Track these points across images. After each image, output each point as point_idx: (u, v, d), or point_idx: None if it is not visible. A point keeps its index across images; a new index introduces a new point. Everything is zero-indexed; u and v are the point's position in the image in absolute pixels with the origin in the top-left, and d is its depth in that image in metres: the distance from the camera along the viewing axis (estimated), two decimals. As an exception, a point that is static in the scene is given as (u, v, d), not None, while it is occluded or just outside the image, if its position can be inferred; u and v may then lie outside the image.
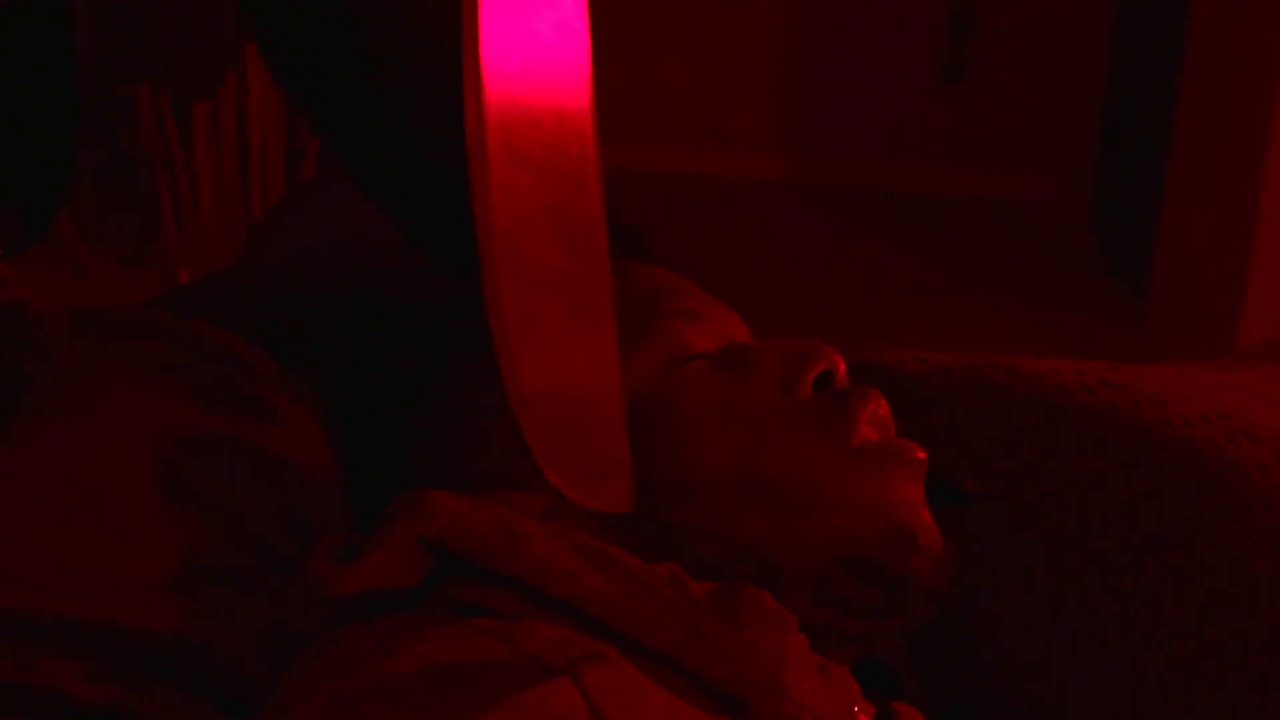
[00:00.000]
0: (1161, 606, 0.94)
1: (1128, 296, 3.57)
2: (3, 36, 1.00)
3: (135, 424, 0.88)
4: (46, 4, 1.01)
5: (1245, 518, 0.93)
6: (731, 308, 0.95)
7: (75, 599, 0.81)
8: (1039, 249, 3.97)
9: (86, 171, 2.23)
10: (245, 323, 1.00)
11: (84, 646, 0.79)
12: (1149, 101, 3.55)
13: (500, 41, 0.65)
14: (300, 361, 0.99)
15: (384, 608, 0.77)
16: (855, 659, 0.86)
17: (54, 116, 1.06)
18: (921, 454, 0.86)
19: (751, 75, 4.32)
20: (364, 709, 0.68)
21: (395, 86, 1.03)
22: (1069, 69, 4.14)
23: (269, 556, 0.87)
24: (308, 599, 0.78)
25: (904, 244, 3.98)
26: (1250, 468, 0.95)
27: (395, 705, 0.67)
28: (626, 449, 0.72)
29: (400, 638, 0.71)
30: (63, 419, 0.89)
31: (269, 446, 0.91)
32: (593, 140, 0.69)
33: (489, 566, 0.76)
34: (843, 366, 0.89)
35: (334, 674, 0.71)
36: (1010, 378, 1.03)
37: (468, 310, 0.93)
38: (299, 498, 0.91)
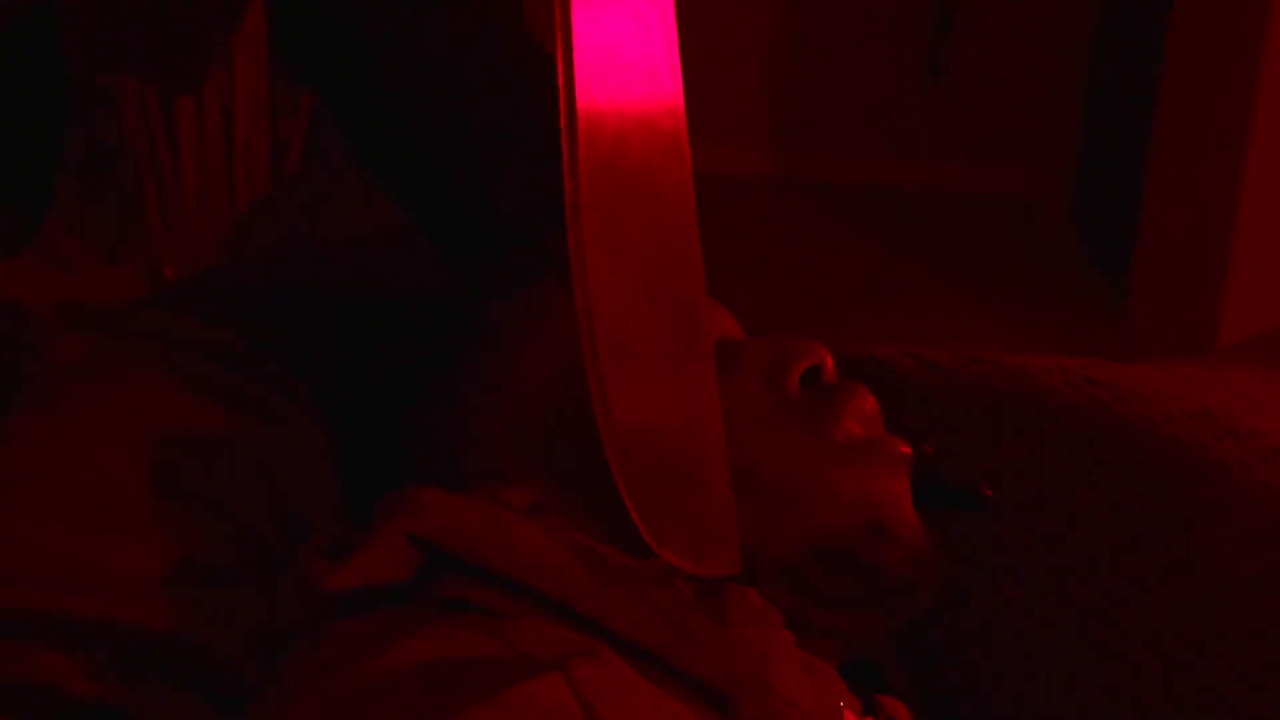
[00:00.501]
0: (1145, 603, 0.95)
1: (1109, 291, 3.58)
2: None
3: (131, 422, 0.89)
4: (35, 6, 1.01)
5: (1228, 515, 0.94)
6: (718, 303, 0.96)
7: (72, 596, 0.81)
8: (1021, 244, 3.99)
9: (67, 165, 2.22)
10: (239, 320, 1.00)
11: (80, 643, 0.80)
12: (1130, 97, 3.56)
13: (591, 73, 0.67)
14: (294, 359, 0.99)
15: (375, 605, 0.77)
16: (843, 657, 0.86)
17: (42, 119, 1.06)
18: (906, 449, 0.86)
19: (736, 72, 4.33)
20: (356, 706, 0.68)
21: (422, 83, 1.03)
22: (1051, 66, 4.15)
23: (264, 554, 0.87)
24: (299, 595, 0.78)
25: (888, 240, 3.99)
26: (1233, 465, 0.96)
27: (387, 702, 0.68)
28: (733, 512, 0.73)
29: (391, 634, 0.72)
30: (58, 417, 0.89)
31: (264, 444, 0.92)
32: (684, 137, 0.70)
33: (479, 564, 0.77)
34: (830, 362, 0.89)
35: (326, 671, 0.72)
36: (998, 374, 1.03)
37: (461, 306, 0.93)
38: (294, 495, 0.91)
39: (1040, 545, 0.97)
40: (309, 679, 0.72)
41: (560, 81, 0.69)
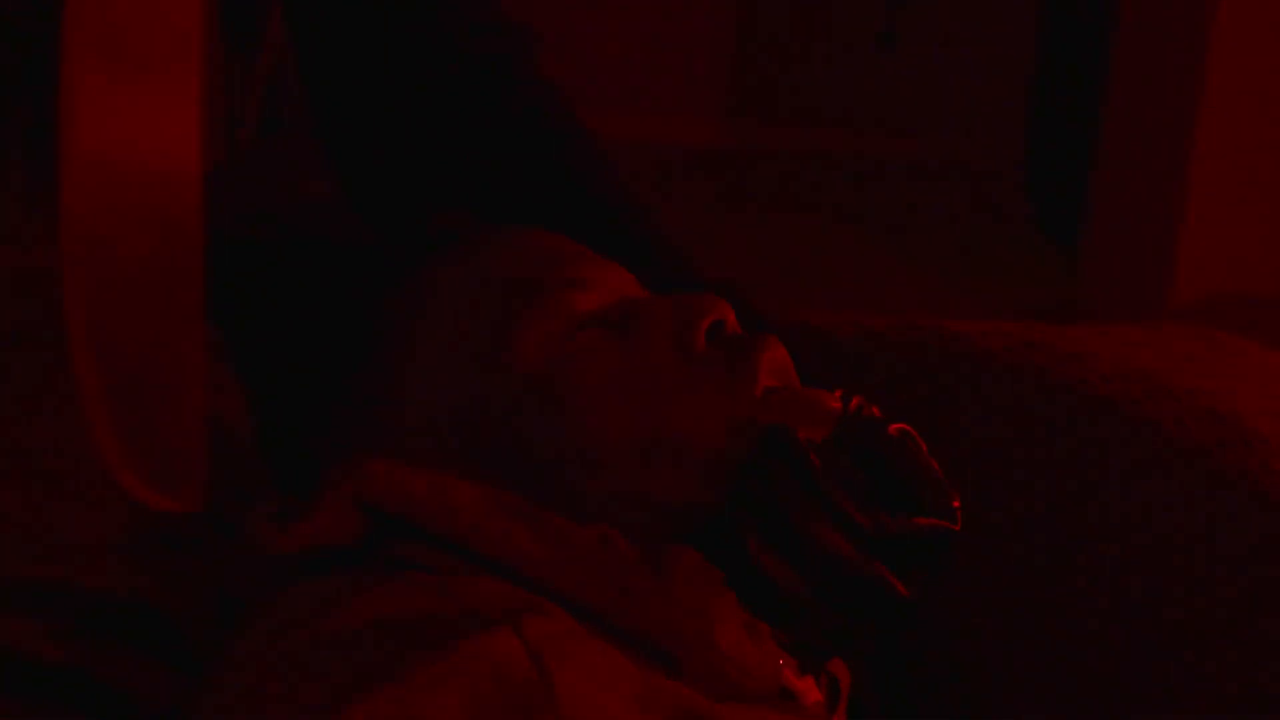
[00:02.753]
0: (1081, 561, 0.97)
1: (1059, 259, 3.61)
2: None
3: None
4: None
5: (1161, 473, 0.96)
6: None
7: (32, 562, 0.82)
8: (972, 213, 4.01)
9: (14, 135, 2.21)
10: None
11: (42, 607, 0.80)
12: (1079, 67, 3.58)
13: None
14: (236, 330, 1.00)
15: (323, 567, 0.78)
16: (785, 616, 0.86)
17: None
18: (835, 404, 0.83)
19: (688, 42, 4.33)
20: (310, 664, 0.69)
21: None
22: (1001, 36, 4.16)
23: (215, 519, 0.88)
24: (249, 559, 0.79)
25: (839, 209, 4.00)
26: (1168, 424, 0.98)
27: (340, 658, 0.69)
28: (203, 448, 0.71)
29: (342, 594, 0.73)
30: (11, 384, 0.89)
31: (212, 414, 0.92)
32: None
33: (424, 528, 0.78)
34: (732, 316, 0.87)
35: (279, 631, 0.73)
36: (938, 340, 1.05)
37: (387, 277, 0.94)
38: (238, 463, 0.92)
39: (976, 507, 0.99)
40: (263, 639, 0.73)
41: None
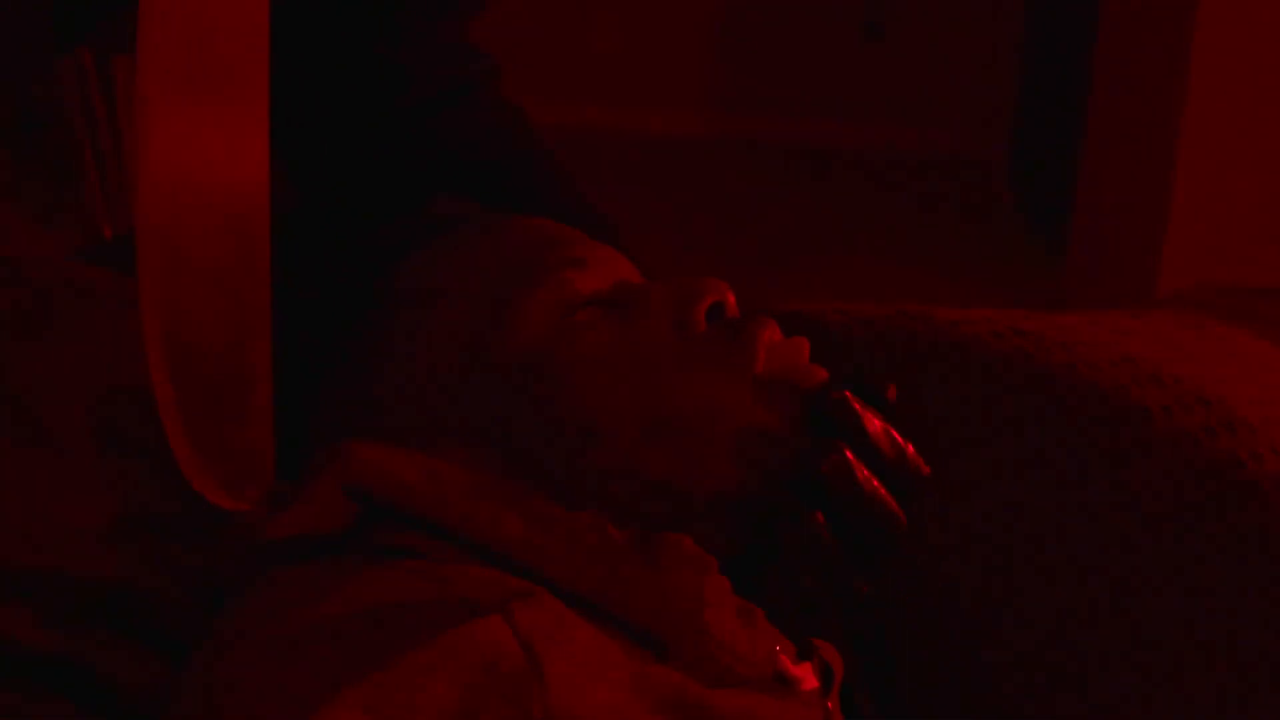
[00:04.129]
0: (1069, 547, 0.97)
1: (1046, 250, 3.62)
2: None
3: (71, 374, 0.89)
4: None
5: (1151, 459, 0.96)
6: (652, 261, 0.96)
7: (19, 548, 0.82)
8: (958, 204, 4.02)
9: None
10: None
11: (29, 593, 0.80)
12: (1065, 56, 3.59)
13: None
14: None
15: (313, 554, 0.78)
16: (778, 601, 0.87)
17: None
18: (823, 373, 0.85)
19: (673, 34, 4.33)
20: (299, 650, 0.69)
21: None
22: (986, 26, 4.17)
23: (202, 504, 0.88)
24: (238, 545, 0.79)
25: (825, 200, 4.01)
26: (1155, 411, 0.98)
27: (329, 645, 0.69)
28: (271, 447, 0.74)
29: (331, 580, 0.73)
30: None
31: None
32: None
33: (414, 514, 0.78)
34: (732, 298, 0.88)
35: (268, 617, 0.73)
36: (926, 327, 1.05)
37: (371, 268, 0.94)
38: None
39: (965, 492, 0.99)
40: (251, 626, 0.73)
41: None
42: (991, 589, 0.99)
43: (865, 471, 0.81)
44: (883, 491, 0.82)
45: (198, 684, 0.74)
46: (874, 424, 0.83)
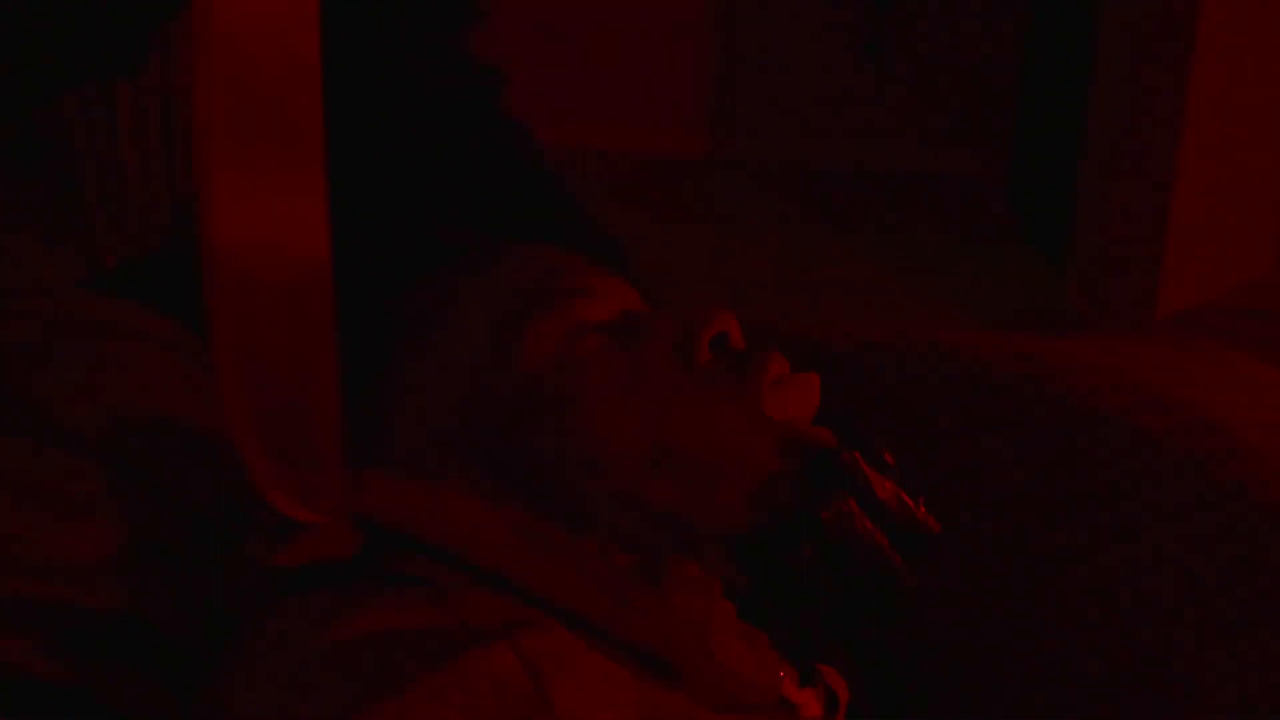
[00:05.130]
0: (1073, 573, 0.97)
1: (1046, 269, 3.62)
2: None
3: (76, 404, 0.89)
4: None
5: (1152, 484, 0.96)
6: (652, 284, 0.96)
7: (27, 578, 0.82)
8: (958, 223, 4.02)
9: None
10: (178, 305, 1.01)
11: (37, 624, 0.80)
12: (1065, 76, 3.59)
13: None
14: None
15: (321, 581, 0.78)
16: (784, 629, 0.87)
17: None
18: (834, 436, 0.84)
19: (673, 53, 4.34)
20: (308, 679, 0.69)
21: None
22: (987, 45, 4.18)
23: (210, 534, 0.88)
24: (246, 574, 0.79)
25: (825, 219, 4.01)
26: (1160, 435, 0.98)
27: (338, 673, 0.69)
28: (340, 457, 0.74)
29: (340, 608, 0.73)
30: (5, 400, 0.89)
31: (207, 428, 0.92)
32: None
33: (422, 540, 0.78)
34: (736, 327, 0.88)
35: (276, 646, 0.73)
36: (931, 351, 1.05)
37: (378, 295, 0.94)
38: (235, 478, 0.92)
39: (972, 517, 1.00)
40: (260, 654, 0.73)
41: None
42: (997, 614, 0.99)
43: (868, 523, 0.81)
44: (884, 544, 0.81)
45: (208, 713, 0.74)
46: (883, 486, 0.82)
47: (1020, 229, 3.88)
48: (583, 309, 0.86)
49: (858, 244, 3.86)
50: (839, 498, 0.81)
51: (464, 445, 0.84)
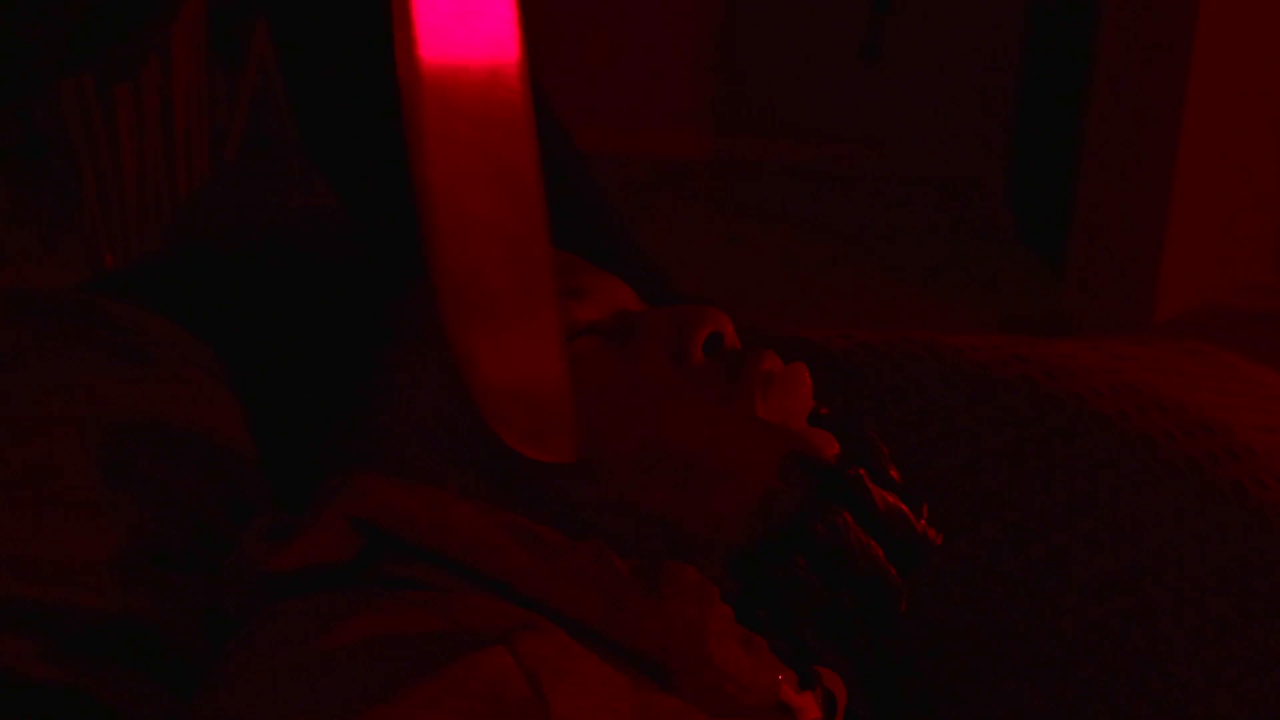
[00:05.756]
0: (1072, 574, 0.97)
1: (1044, 271, 3.62)
2: None
3: (76, 406, 0.89)
4: None
5: (1151, 486, 0.96)
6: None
7: (25, 580, 0.81)
8: (957, 224, 4.02)
9: (2, 153, 2.21)
10: (178, 307, 1.01)
11: (35, 626, 0.80)
12: (1063, 79, 3.60)
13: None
14: (230, 345, 1.00)
15: (318, 585, 0.78)
16: (780, 634, 0.87)
17: None
18: (836, 447, 0.84)
19: (673, 56, 4.34)
20: (303, 683, 0.69)
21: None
22: (985, 48, 4.18)
23: (207, 537, 0.88)
24: (243, 578, 0.79)
25: (823, 222, 4.02)
26: (1159, 438, 0.98)
27: (335, 678, 0.69)
28: (570, 402, 0.73)
29: (336, 612, 0.73)
30: (3, 403, 0.89)
31: (206, 431, 0.92)
32: (524, 92, 0.71)
33: (419, 544, 0.78)
34: (730, 328, 0.87)
35: (273, 650, 0.72)
36: (929, 354, 1.05)
37: (379, 297, 0.94)
38: (234, 481, 0.92)
39: (971, 520, 0.99)
40: (256, 658, 0.73)
41: (398, 34, 0.70)
42: (995, 615, 0.99)
43: (863, 536, 0.81)
44: (879, 555, 0.81)
45: (204, 717, 0.74)
46: (884, 500, 0.82)
47: (1019, 231, 3.88)
48: (575, 310, 0.86)
49: (856, 246, 3.86)
50: (835, 512, 0.81)
51: (460, 449, 0.84)
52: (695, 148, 4.36)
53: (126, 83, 2.12)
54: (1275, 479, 0.97)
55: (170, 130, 2.37)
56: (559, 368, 0.74)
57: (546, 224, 0.72)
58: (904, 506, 0.83)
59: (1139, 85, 3.15)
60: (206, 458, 0.91)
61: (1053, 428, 0.99)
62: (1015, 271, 3.71)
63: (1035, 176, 3.83)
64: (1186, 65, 2.94)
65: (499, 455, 0.83)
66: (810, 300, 3.48)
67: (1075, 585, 0.97)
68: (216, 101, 2.61)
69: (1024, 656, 0.98)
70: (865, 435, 0.85)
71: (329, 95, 1.09)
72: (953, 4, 4.21)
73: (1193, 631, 0.94)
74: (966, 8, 4.20)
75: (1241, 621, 0.93)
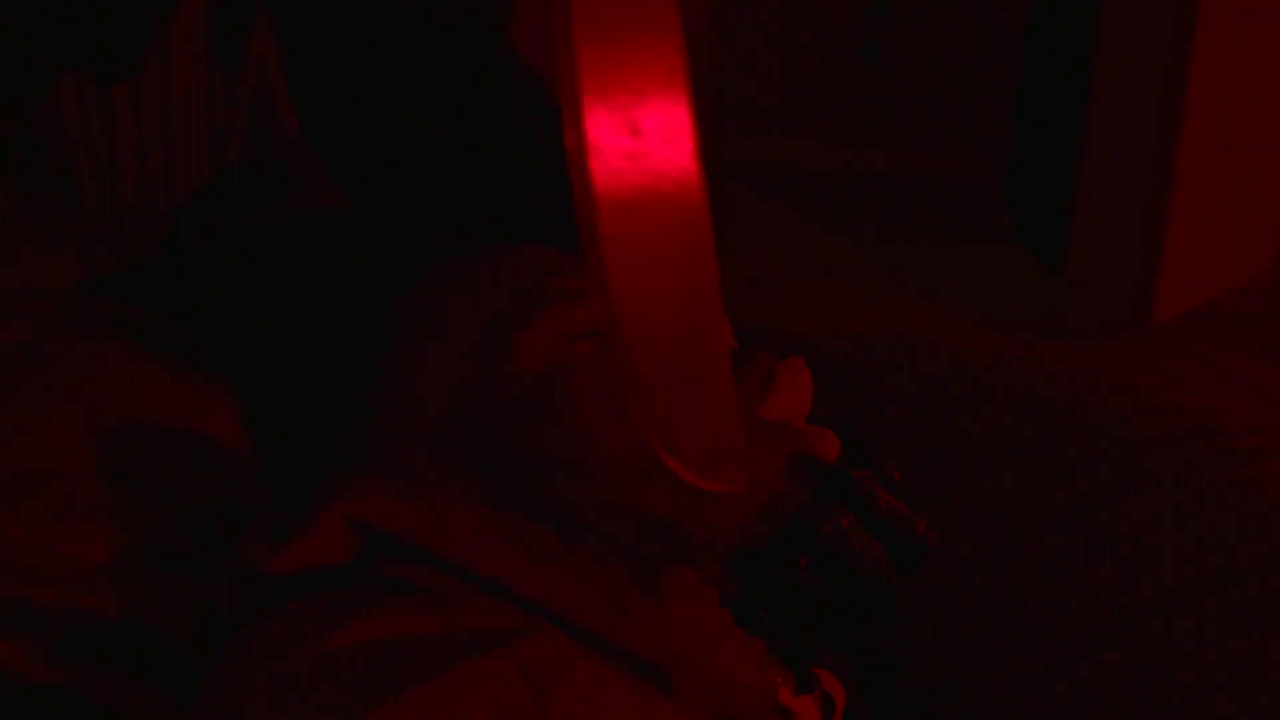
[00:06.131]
0: (1071, 576, 0.97)
1: (1042, 271, 3.62)
2: None
3: (74, 408, 0.89)
4: None
5: (1151, 489, 0.96)
6: None
7: (24, 583, 0.82)
8: (954, 225, 4.02)
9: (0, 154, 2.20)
10: (177, 308, 1.01)
11: (35, 629, 0.80)
12: (1061, 78, 3.59)
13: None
14: (229, 347, 1.00)
15: (317, 587, 0.78)
16: (779, 636, 0.87)
17: None
18: (837, 447, 0.84)
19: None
20: (305, 686, 0.69)
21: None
22: (985, 48, 4.18)
23: (206, 539, 0.88)
24: (242, 580, 0.79)
25: (821, 222, 4.01)
26: (1158, 440, 0.98)
27: (335, 681, 0.69)
28: (742, 434, 0.73)
29: (336, 615, 0.73)
30: (2, 405, 0.89)
31: (204, 433, 0.92)
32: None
33: (417, 546, 0.78)
34: (729, 329, 0.87)
35: (273, 652, 0.73)
36: (927, 356, 1.05)
37: (378, 297, 0.94)
38: (232, 482, 0.92)
39: (967, 521, 1.00)
40: (257, 661, 0.73)
41: (564, 97, 0.70)
42: (993, 617, 0.99)
43: (867, 538, 0.81)
44: (882, 559, 0.81)
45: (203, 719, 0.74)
46: (887, 503, 0.82)
47: (1016, 232, 3.88)
48: (575, 312, 0.86)
49: (852, 246, 3.86)
50: (840, 513, 0.81)
51: (459, 451, 0.84)
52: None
53: (125, 83, 2.12)
54: (1272, 481, 0.97)
55: (169, 131, 2.36)
56: (732, 406, 0.74)
57: (723, 311, 0.73)
58: (905, 508, 0.83)
59: (1137, 86, 3.15)
60: (205, 459, 0.91)
61: (1050, 430, 0.99)
62: (1012, 272, 3.71)
63: (1033, 178, 3.83)
64: (1185, 65, 2.94)
65: (500, 457, 0.83)
66: (805, 300, 3.48)
67: (1073, 586, 0.97)
68: (216, 102, 2.61)
69: (1021, 658, 0.98)
70: (865, 435, 0.85)
71: (332, 93, 1.09)
72: (951, 5, 4.21)
73: (1191, 633, 0.94)
74: (964, 7, 4.19)
75: (1240, 623, 0.93)
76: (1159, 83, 3.03)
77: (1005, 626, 0.99)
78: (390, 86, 1.08)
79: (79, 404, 0.90)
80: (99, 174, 1.70)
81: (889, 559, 0.81)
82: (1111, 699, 0.96)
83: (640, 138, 0.72)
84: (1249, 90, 3.04)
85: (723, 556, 0.82)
